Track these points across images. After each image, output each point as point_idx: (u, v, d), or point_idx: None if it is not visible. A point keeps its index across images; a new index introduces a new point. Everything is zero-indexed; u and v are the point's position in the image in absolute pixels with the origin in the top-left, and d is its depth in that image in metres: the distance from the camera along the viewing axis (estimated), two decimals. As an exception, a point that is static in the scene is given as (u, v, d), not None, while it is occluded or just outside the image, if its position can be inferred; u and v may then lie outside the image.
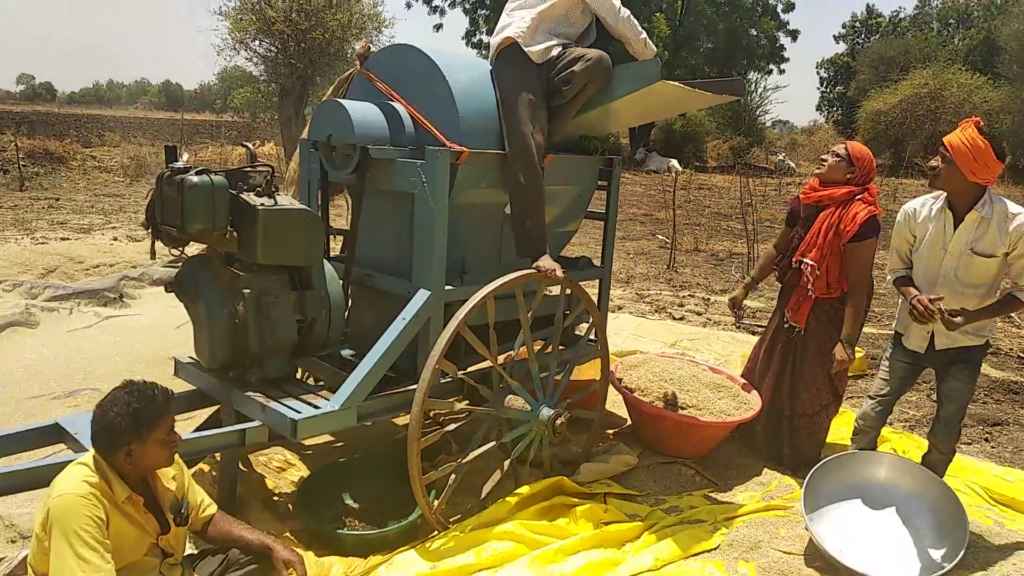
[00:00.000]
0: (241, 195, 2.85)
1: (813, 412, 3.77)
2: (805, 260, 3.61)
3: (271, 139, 22.09)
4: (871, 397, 3.42)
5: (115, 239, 9.38)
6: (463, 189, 3.13)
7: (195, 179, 2.70)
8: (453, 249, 3.20)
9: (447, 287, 3.09)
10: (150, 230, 2.97)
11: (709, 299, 7.80)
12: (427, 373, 2.79)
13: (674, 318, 6.95)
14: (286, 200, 2.91)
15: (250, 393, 2.86)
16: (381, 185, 3.18)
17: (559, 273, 3.09)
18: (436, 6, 29.71)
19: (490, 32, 29.34)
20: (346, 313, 3.59)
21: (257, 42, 17.77)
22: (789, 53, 32.16)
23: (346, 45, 17.55)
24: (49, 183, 14.75)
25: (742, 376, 4.16)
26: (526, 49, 3.17)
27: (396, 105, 3.21)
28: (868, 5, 49.56)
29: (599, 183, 3.78)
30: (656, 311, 7.20)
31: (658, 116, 4.08)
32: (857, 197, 3.56)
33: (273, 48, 17.67)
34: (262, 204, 2.80)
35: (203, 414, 3.33)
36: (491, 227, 3.41)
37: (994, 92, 26.95)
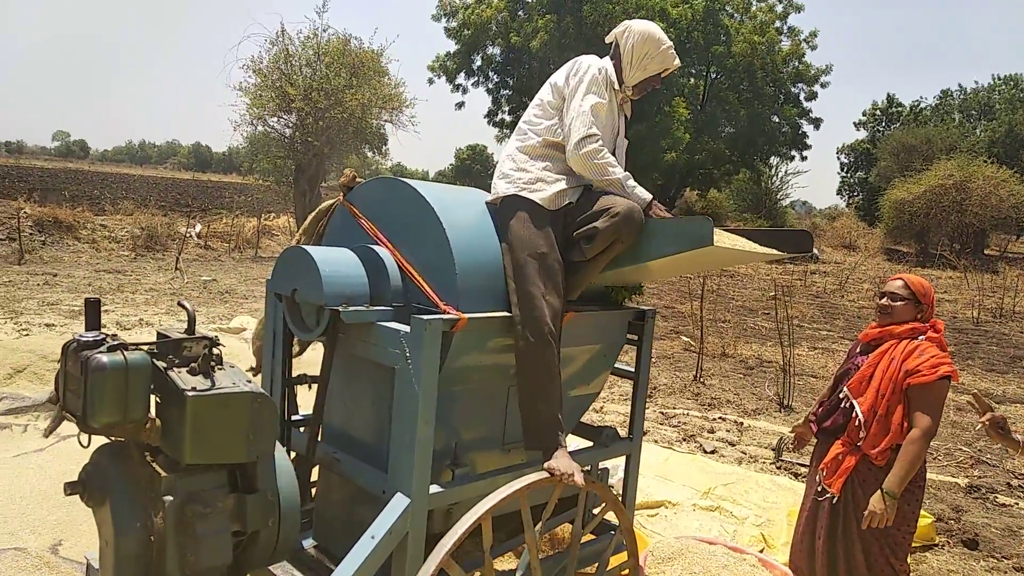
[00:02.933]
0: (169, 372, 2.21)
1: None
2: (854, 401, 3.02)
3: (286, 211, 21.86)
4: None
5: (104, 326, 8.80)
6: (458, 356, 2.47)
7: (104, 360, 2.06)
8: (443, 431, 2.53)
9: (433, 488, 2.40)
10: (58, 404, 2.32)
11: (742, 423, 7.03)
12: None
13: (705, 451, 6.18)
14: (228, 379, 2.25)
15: (162, 639, 2.14)
16: (356, 351, 2.54)
17: (578, 479, 2.38)
18: (459, 84, 29.89)
19: (512, 112, 29.51)
20: (309, 491, 2.92)
21: (276, 118, 17.67)
22: (811, 140, 31.97)
23: (364, 124, 17.38)
24: (51, 255, 14.36)
25: (792, 558, 3.42)
26: (531, 198, 2.58)
27: (380, 250, 2.58)
28: (889, 94, 49.80)
29: (628, 337, 3.11)
30: (684, 439, 6.43)
31: (706, 269, 3.54)
32: (921, 336, 3.02)
33: (291, 125, 17.52)
34: (193, 388, 2.14)
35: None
36: (493, 399, 2.74)
37: (1021, 185, 26.52)
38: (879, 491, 2.84)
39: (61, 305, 10.05)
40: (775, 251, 2.52)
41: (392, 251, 2.59)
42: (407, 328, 2.35)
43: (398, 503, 2.32)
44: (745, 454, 6.22)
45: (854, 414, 3.00)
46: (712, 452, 6.18)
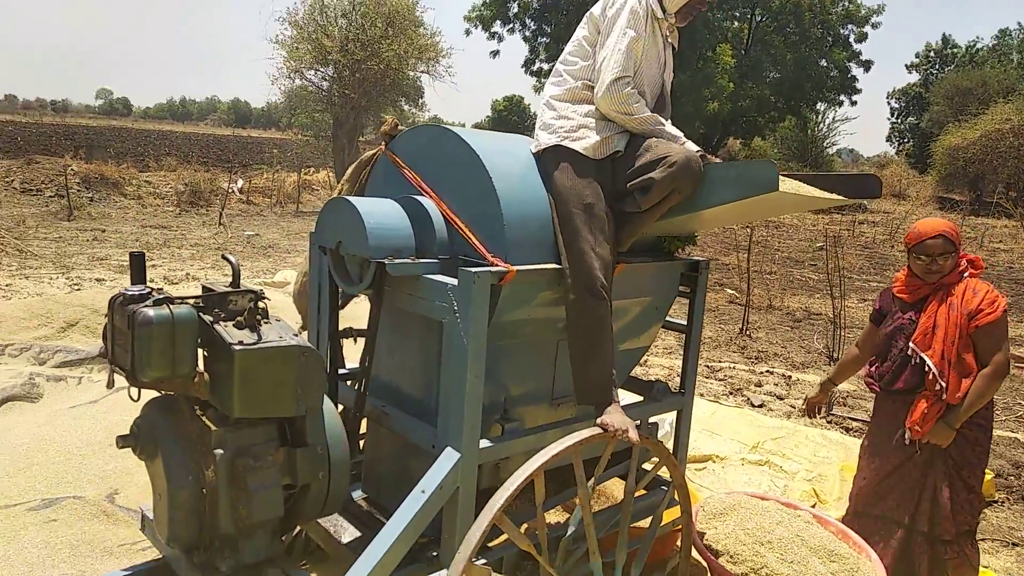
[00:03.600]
0: (216, 326, 2.18)
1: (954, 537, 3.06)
2: (923, 355, 2.97)
3: (325, 166, 21.89)
4: None
5: (151, 280, 8.96)
6: (507, 309, 2.40)
7: (151, 313, 2.03)
8: (492, 386, 2.47)
9: (483, 443, 2.35)
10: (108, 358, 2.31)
11: (790, 377, 6.90)
12: (449, 587, 2.04)
13: (753, 405, 6.08)
14: (275, 332, 2.22)
15: (217, 590, 2.16)
16: (403, 305, 2.48)
17: (632, 435, 2.31)
18: (495, 32, 29.29)
19: (550, 59, 28.89)
20: (359, 444, 2.91)
21: (312, 71, 17.54)
22: (860, 84, 30.76)
23: (401, 76, 17.18)
24: (98, 212, 14.61)
25: (851, 511, 3.37)
26: (573, 147, 2.47)
27: (425, 201, 2.51)
28: (944, 35, 47.65)
29: (680, 289, 3.01)
30: (731, 393, 6.33)
31: (762, 217, 3.38)
32: (965, 275, 3.03)
33: (328, 78, 17.39)
34: (240, 342, 2.11)
35: None
36: (542, 352, 2.67)
37: (1084, 128, 25.29)
38: (940, 422, 2.92)
39: (110, 260, 10.23)
40: (840, 196, 2.38)
41: (437, 202, 2.51)
42: (454, 281, 2.28)
43: (448, 458, 2.28)
44: (794, 408, 6.10)
45: (927, 368, 2.91)
46: (760, 406, 6.08)
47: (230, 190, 17.10)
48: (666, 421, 4.00)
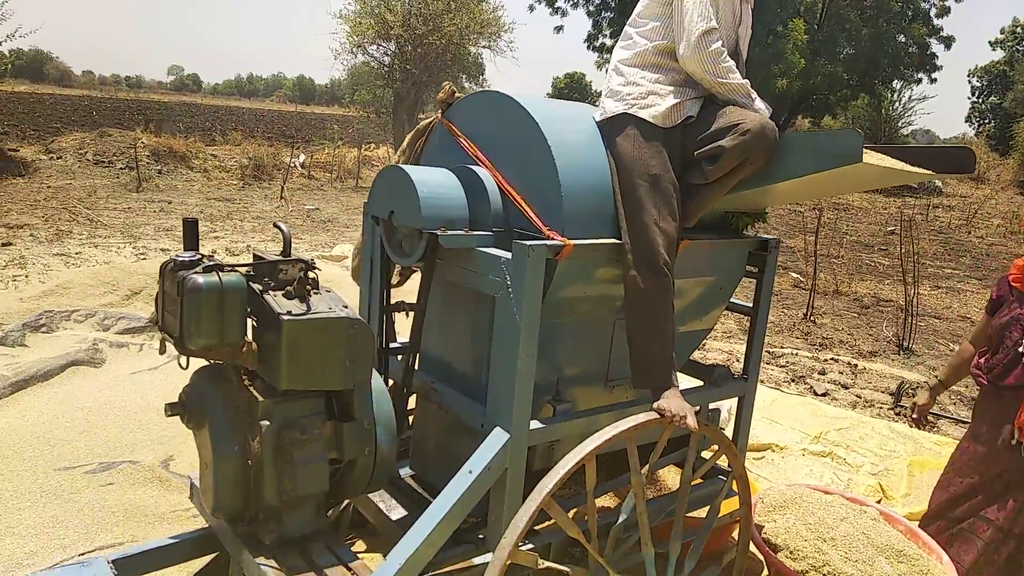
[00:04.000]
0: (265, 295, 2.13)
1: None
2: None
3: (385, 142, 22.01)
4: None
5: (213, 252, 9.12)
6: (562, 285, 2.30)
7: (200, 280, 2.00)
8: (544, 365, 2.38)
9: (533, 424, 2.26)
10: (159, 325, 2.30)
11: (856, 365, 6.62)
12: (496, 572, 1.96)
13: (816, 393, 5.85)
14: (324, 303, 2.16)
15: (261, 561, 2.13)
16: (454, 279, 2.40)
17: (691, 421, 2.19)
18: (558, 7, 28.83)
19: (614, 35, 28.41)
20: (407, 420, 2.86)
21: (375, 46, 17.58)
22: (940, 61, 29.30)
23: (462, 51, 17.07)
24: (166, 184, 14.97)
25: (930, 514, 3.18)
26: (641, 115, 2.32)
27: (480, 171, 2.41)
28: (1032, 8, 45.04)
29: (747, 269, 2.85)
30: (793, 380, 6.11)
31: (840, 192, 3.11)
32: None
33: (389, 53, 17.42)
34: (288, 312, 2.06)
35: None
36: (598, 332, 2.56)
37: None
38: None
39: (176, 231, 10.46)
40: (928, 171, 2.19)
41: (493, 172, 2.41)
42: (508, 255, 2.18)
43: (497, 438, 2.20)
44: (860, 398, 5.85)
45: None
46: (823, 395, 5.85)
47: (292, 165, 17.32)
48: (725, 407, 3.85)
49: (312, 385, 2.15)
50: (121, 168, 15.80)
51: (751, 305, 2.88)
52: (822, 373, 6.34)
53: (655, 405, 2.23)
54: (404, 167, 2.36)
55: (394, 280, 2.88)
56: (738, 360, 6.18)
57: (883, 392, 6.01)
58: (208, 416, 2.19)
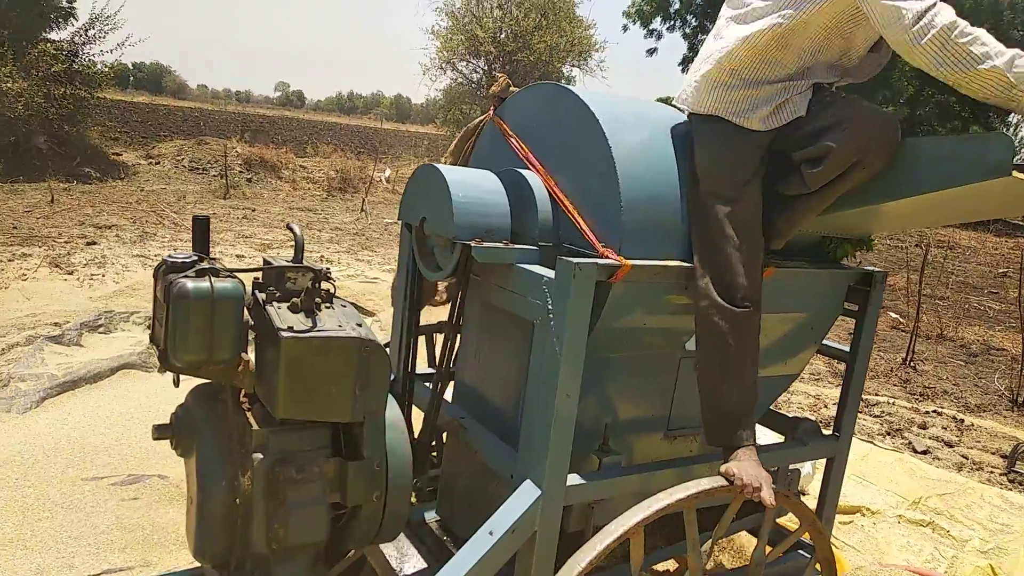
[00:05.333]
0: (268, 307, 1.84)
1: None
2: None
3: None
4: None
5: (274, 255, 9.10)
6: (618, 313, 1.92)
7: (188, 285, 1.71)
8: (592, 407, 2.00)
9: (571, 479, 1.88)
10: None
11: (963, 420, 5.90)
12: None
13: (915, 450, 5.20)
14: (334, 320, 1.85)
15: (244, 618, 1.82)
16: (491, 299, 2.05)
17: (766, 494, 1.76)
18: (653, 29, 28.34)
19: (708, 60, 27.92)
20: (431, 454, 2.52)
21: (464, 63, 17.61)
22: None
23: (552, 69, 16.87)
24: (253, 192, 15.27)
25: None
26: (736, 122, 1.90)
27: (529, 175, 2.06)
28: None
29: (846, 306, 2.39)
30: (888, 433, 5.47)
31: (968, 217, 2.50)
32: None
33: (479, 69, 17.41)
34: (290, 328, 1.76)
35: None
36: (660, 371, 2.16)
37: None
38: None
39: (254, 238, 10.54)
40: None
41: (543, 176, 2.06)
42: (552, 274, 1.82)
43: (526, 494, 1.83)
44: (967, 459, 5.17)
45: None
46: (924, 452, 5.19)
47: (376, 178, 17.45)
48: (809, 465, 3.36)
49: (313, 415, 1.84)
50: (214, 175, 16.25)
51: (847, 349, 2.42)
52: (923, 427, 5.67)
53: (723, 468, 1.81)
54: (439, 166, 2.04)
55: (439, 297, 2.56)
56: (827, 407, 5.59)
57: (994, 454, 5.30)
58: (197, 442, 1.90)
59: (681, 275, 1.91)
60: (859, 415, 5.66)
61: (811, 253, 2.27)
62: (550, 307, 1.80)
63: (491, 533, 1.78)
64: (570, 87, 2.07)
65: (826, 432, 2.46)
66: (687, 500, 1.70)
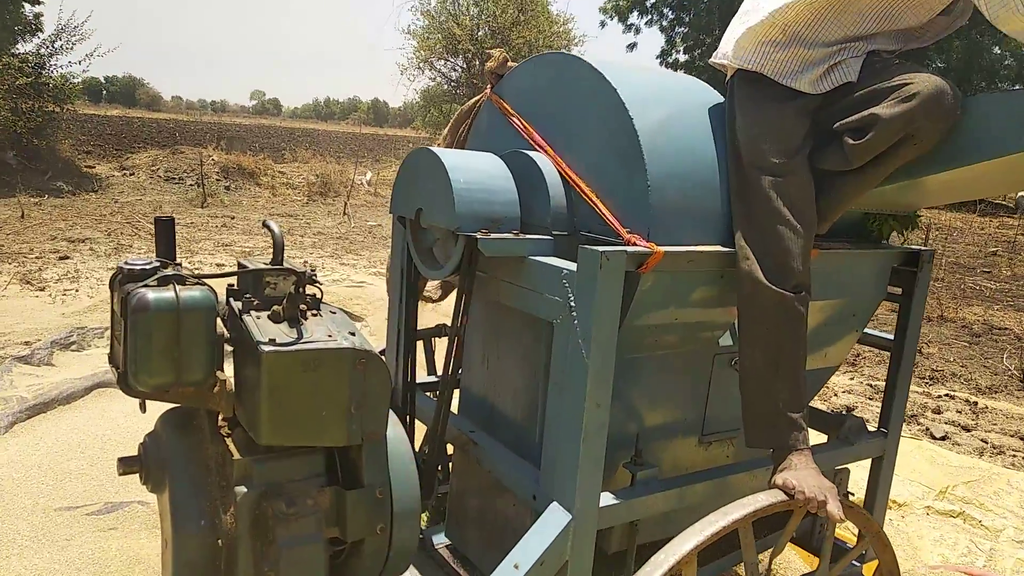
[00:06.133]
0: (245, 317, 1.59)
1: None
2: None
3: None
4: None
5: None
6: (647, 308, 1.68)
7: (148, 296, 1.46)
8: (620, 413, 1.76)
9: (605, 498, 1.64)
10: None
11: (976, 403, 5.72)
12: None
13: (934, 437, 5.01)
14: (323, 329, 1.60)
15: None
16: (500, 297, 1.81)
17: (833, 508, 1.53)
18: (631, 24, 28.16)
19: (688, 51, 27.61)
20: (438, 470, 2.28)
21: (442, 62, 17.33)
22: (1041, 73, 27.43)
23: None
24: (231, 200, 14.92)
25: None
26: (784, 83, 1.66)
27: (537, 156, 1.82)
28: None
29: (889, 290, 2.17)
30: (904, 419, 5.27)
31: (1007, 190, 2.30)
32: None
33: (457, 68, 17.14)
34: (271, 341, 1.50)
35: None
36: (692, 370, 1.93)
37: None
38: None
39: (233, 246, 10.23)
40: None
41: (554, 157, 1.81)
42: (572, 266, 1.58)
43: (554, 519, 1.58)
44: (987, 443, 4.98)
45: None
46: (943, 438, 5.00)
47: (357, 182, 17.14)
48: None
49: (303, 440, 1.58)
50: (190, 184, 15.88)
51: (891, 337, 2.20)
52: (937, 412, 5.48)
53: (780, 480, 1.58)
54: (435, 149, 1.79)
55: (434, 295, 2.32)
56: (836, 396, 5.39)
57: (1014, 436, 5.12)
58: (169, 475, 1.64)
59: (721, 261, 1.68)
60: (870, 401, 5.47)
61: (850, 232, 2.05)
62: (572, 304, 1.55)
63: (516, 567, 1.54)
64: (581, 57, 1.84)
65: (871, 428, 2.24)
66: (743, 519, 1.47)
